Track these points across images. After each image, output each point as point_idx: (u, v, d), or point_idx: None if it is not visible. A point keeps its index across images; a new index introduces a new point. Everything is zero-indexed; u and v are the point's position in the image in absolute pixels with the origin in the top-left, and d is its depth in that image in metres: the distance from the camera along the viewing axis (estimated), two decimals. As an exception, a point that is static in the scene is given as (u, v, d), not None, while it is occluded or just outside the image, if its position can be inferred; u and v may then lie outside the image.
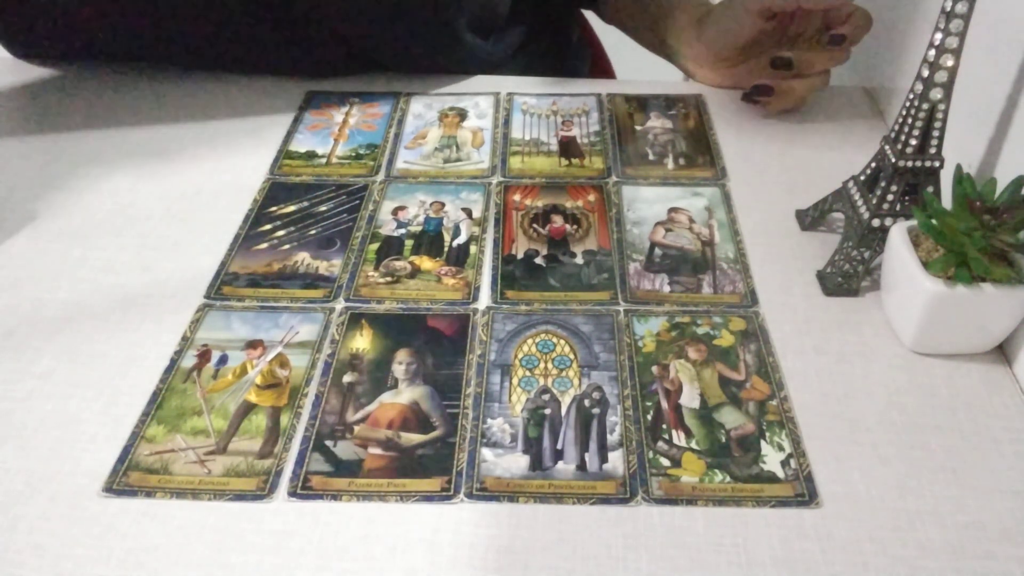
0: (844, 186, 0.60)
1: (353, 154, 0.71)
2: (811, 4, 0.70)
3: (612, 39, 0.99)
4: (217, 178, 0.68)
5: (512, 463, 0.47)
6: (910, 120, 0.53)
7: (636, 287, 0.58)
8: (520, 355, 0.53)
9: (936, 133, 0.53)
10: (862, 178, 0.58)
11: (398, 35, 0.76)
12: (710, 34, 0.76)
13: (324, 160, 0.70)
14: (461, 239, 0.62)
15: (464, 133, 0.74)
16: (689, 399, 0.51)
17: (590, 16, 1.03)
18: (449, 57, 0.80)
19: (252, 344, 0.54)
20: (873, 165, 0.57)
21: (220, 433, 0.49)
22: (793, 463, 0.47)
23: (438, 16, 0.74)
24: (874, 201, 0.56)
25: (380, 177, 0.69)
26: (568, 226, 0.63)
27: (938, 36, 0.50)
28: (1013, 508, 0.45)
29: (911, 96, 0.53)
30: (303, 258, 0.61)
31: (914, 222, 0.53)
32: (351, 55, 0.80)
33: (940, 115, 0.52)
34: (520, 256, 0.61)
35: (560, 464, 0.47)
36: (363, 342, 0.54)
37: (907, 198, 0.56)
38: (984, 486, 0.46)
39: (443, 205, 0.65)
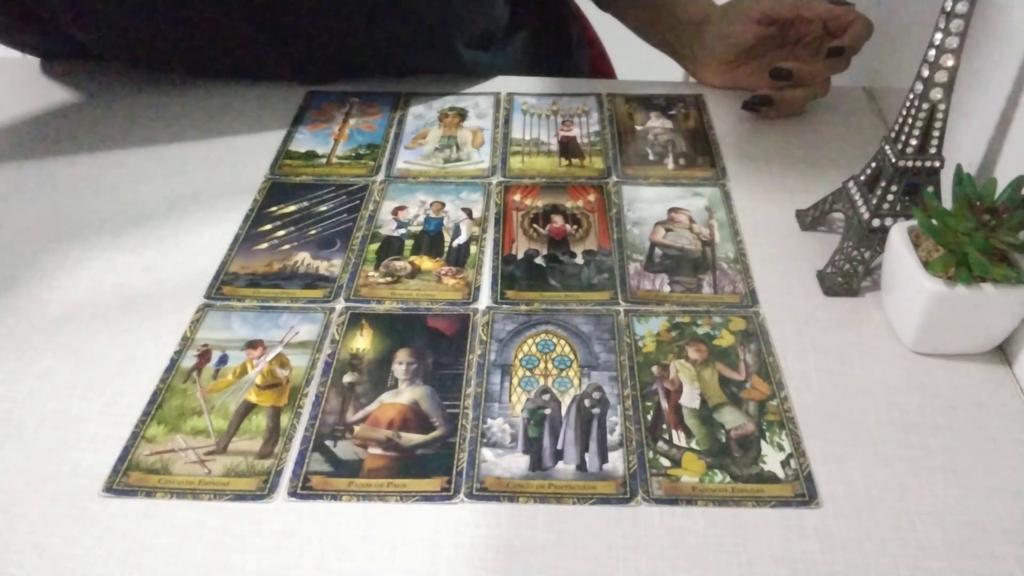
0: (844, 186, 0.60)
1: (353, 154, 0.71)
2: (811, 12, 0.70)
3: (612, 38, 0.99)
4: (217, 178, 0.68)
5: (512, 463, 0.47)
6: (910, 120, 0.53)
7: (636, 287, 0.58)
8: (520, 355, 0.53)
9: (936, 133, 0.53)
10: (862, 178, 0.58)
11: (396, 51, 0.76)
12: (710, 38, 0.76)
13: (324, 160, 0.70)
14: (461, 239, 0.62)
15: (464, 133, 0.74)
16: (689, 399, 0.51)
17: (591, 16, 1.03)
18: (449, 71, 0.80)
19: (252, 344, 0.54)
20: (873, 165, 0.57)
21: (220, 433, 0.49)
22: (793, 463, 0.47)
23: (435, 35, 0.74)
24: (874, 201, 0.56)
25: (380, 177, 0.69)
26: (568, 226, 0.63)
27: (938, 36, 0.50)
28: (1013, 508, 0.45)
29: (911, 96, 0.53)
30: (303, 258, 0.61)
31: (914, 222, 0.53)
32: (350, 67, 0.79)
33: (940, 115, 0.52)
34: (520, 256, 0.61)
35: (560, 464, 0.47)
36: (363, 342, 0.54)
37: (907, 198, 0.56)
38: (984, 486, 0.46)
39: (443, 205, 0.65)
